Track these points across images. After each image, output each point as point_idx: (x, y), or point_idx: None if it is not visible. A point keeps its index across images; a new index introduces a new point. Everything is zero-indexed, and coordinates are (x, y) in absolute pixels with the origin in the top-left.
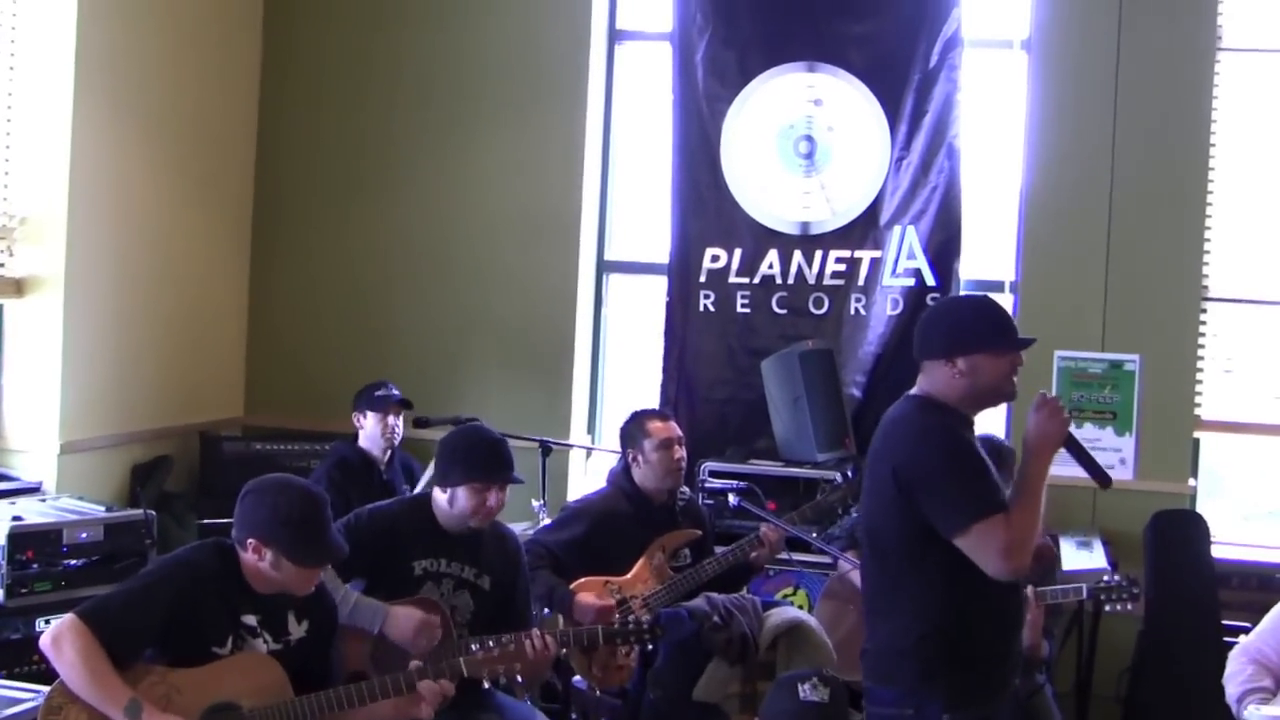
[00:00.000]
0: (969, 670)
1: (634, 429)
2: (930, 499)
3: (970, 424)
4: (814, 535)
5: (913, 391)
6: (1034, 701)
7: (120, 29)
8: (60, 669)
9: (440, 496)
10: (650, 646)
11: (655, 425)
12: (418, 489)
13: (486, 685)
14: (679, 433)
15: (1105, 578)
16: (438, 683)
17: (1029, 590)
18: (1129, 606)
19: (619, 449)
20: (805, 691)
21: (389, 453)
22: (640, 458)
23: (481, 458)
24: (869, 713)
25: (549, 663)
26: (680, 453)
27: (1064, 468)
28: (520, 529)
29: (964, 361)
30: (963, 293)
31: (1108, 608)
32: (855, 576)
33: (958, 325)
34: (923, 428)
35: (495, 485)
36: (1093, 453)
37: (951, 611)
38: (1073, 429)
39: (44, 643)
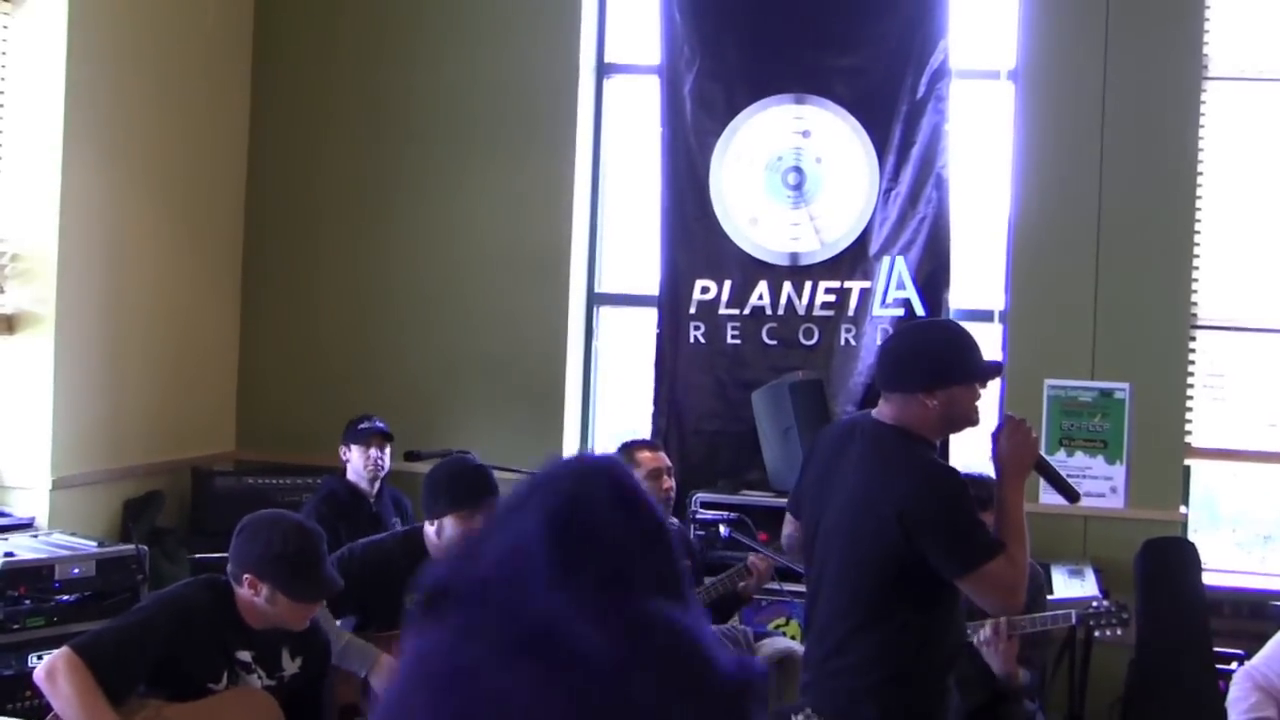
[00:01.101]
0: (926, 715)
1: (623, 459)
2: (938, 540)
3: (934, 446)
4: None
5: (884, 420)
6: None
7: (110, 67)
8: (55, 703)
9: (429, 529)
10: None
11: (644, 455)
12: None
13: None
14: (668, 463)
15: (1094, 604)
16: None
17: (1001, 621)
18: (1118, 632)
19: None
20: None
21: (377, 485)
22: None
23: (464, 486)
24: None
25: None
26: (669, 483)
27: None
28: None
29: (942, 394)
30: (920, 318)
31: (1097, 634)
32: None
33: (937, 359)
34: (928, 470)
35: (480, 511)
36: (1084, 481)
37: (919, 657)
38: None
39: (38, 676)
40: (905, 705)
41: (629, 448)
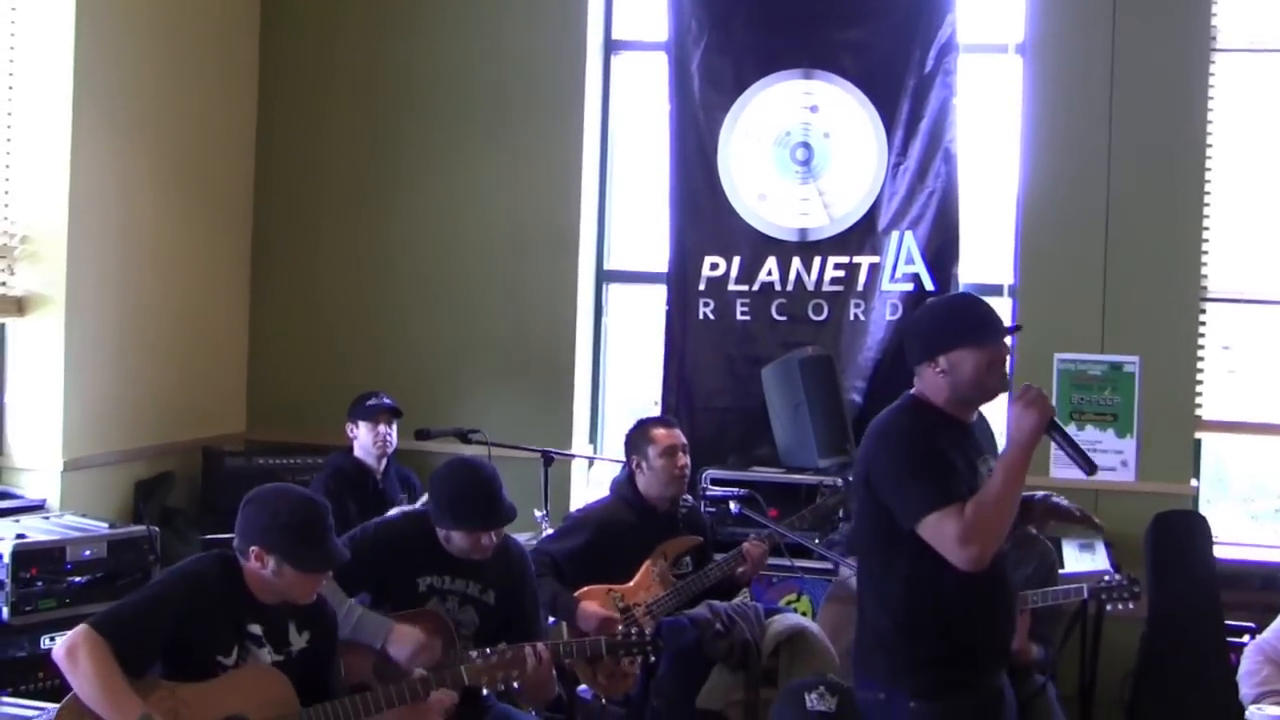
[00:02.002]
0: (937, 665)
1: (638, 437)
2: (891, 492)
3: (958, 423)
4: (816, 541)
5: (909, 394)
6: (1036, 704)
7: (118, 48)
8: (73, 680)
9: (439, 530)
10: (653, 658)
11: (659, 432)
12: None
13: (486, 693)
14: (683, 440)
15: (1105, 578)
16: (443, 691)
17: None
18: (1130, 605)
19: (622, 458)
20: (813, 701)
21: (384, 462)
22: (644, 465)
23: (472, 506)
24: (856, 699)
25: (550, 677)
26: (684, 460)
27: (1070, 469)
28: (524, 539)
29: (944, 359)
30: (932, 293)
31: (1109, 607)
32: (854, 581)
33: (935, 324)
34: (892, 428)
35: (489, 530)
36: (1094, 455)
37: (922, 610)
38: (1057, 419)
39: (57, 653)
40: (912, 655)
41: (644, 425)
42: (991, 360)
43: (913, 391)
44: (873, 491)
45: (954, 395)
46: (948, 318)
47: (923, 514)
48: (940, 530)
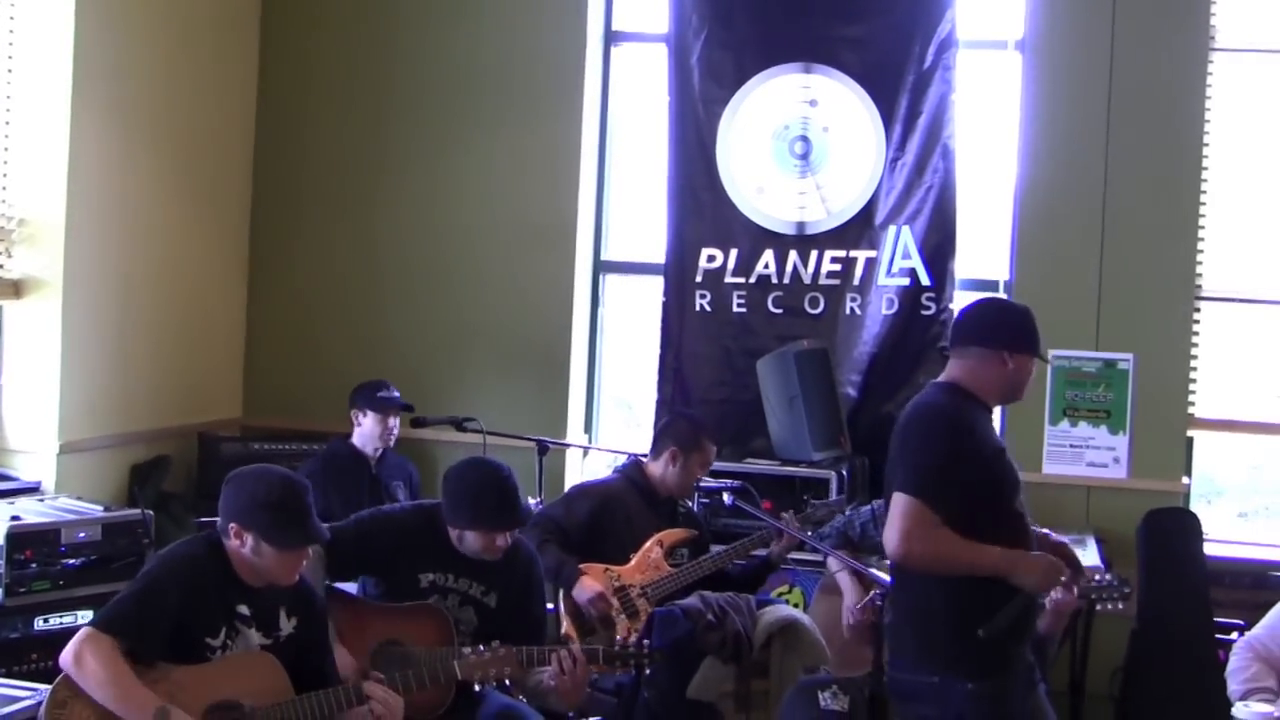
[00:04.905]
0: (988, 645)
1: (692, 435)
2: (902, 455)
3: (988, 409)
4: (809, 534)
5: (941, 379)
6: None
7: (118, 34)
8: (84, 684)
9: (452, 531)
10: (648, 671)
11: (710, 448)
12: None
13: (479, 687)
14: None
15: (1097, 577)
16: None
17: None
18: (1120, 606)
19: (618, 449)
20: (826, 700)
21: (380, 451)
22: (678, 461)
23: (488, 505)
24: (896, 681)
25: (585, 680)
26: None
27: (1062, 466)
28: None
29: (1014, 359)
30: (997, 295)
31: (1099, 607)
32: (843, 576)
33: (1020, 325)
34: (937, 407)
35: (506, 530)
36: (1086, 451)
37: (975, 593)
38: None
39: (64, 662)
40: (960, 634)
41: (700, 432)
42: (1032, 374)
43: (948, 379)
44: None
45: (1002, 390)
46: (1022, 323)
47: (911, 490)
48: (908, 513)
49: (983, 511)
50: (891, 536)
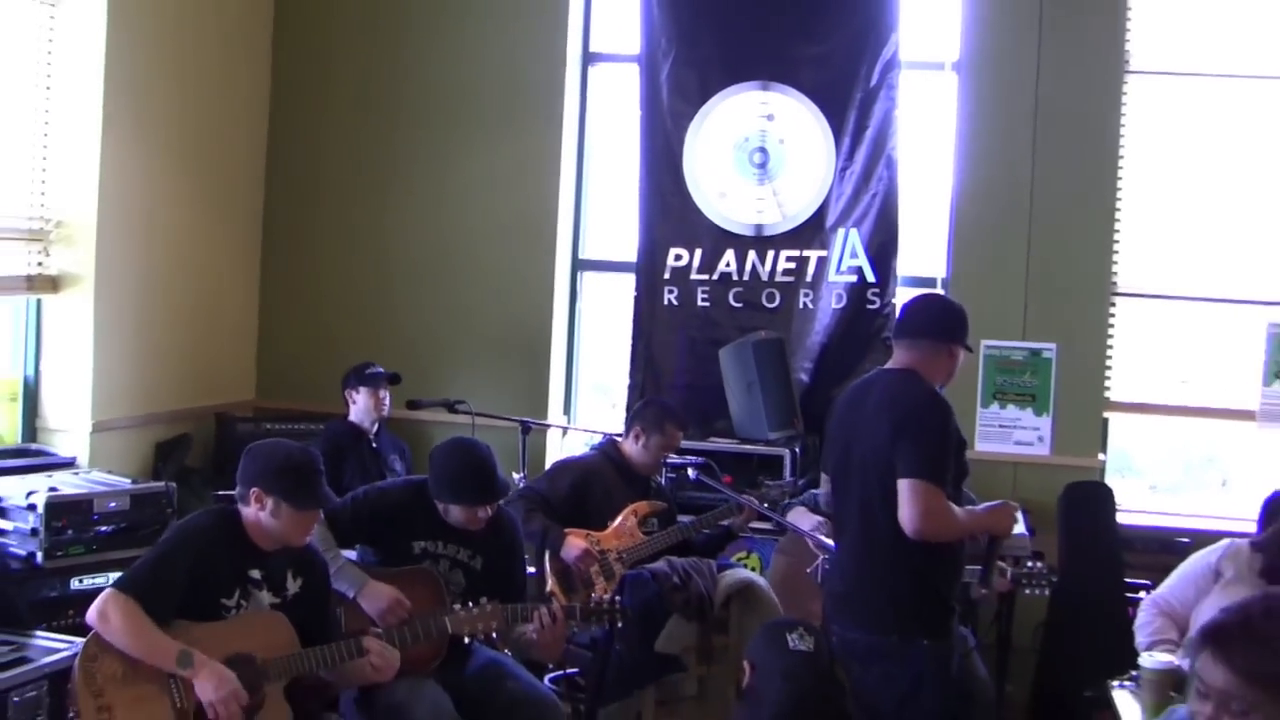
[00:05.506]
0: (941, 608)
1: (657, 419)
2: (904, 442)
3: None
4: (765, 507)
5: (898, 367)
6: (968, 659)
7: (144, 55)
8: (111, 638)
9: (439, 504)
10: (619, 624)
11: (674, 432)
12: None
13: (468, 641)
14: (681, 443)
15: (1030, 563)
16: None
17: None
18: (1045, 591)
19: (594, 429)
20: (794, 641)
21: (376, 425)
22: (645, 442)
23: (470, 483)
24: (849, 642)
25: (563, 636)
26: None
27: (992, 444)
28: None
29: (957, 349)
30: (937, 292)
31: (1026, 591)
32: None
33: (963, 321)
34: (928, 394)
35: (485, 505)
36: (1014, 431)
37: (935, 562)
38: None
39: (91, 618)
40: (924, 600)
41: (666, 416)
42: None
43: (907, 367)
44: (893, 438)
45: (946, 376)
46: (964, 319)
47: (916, 474)
48: (917, 495)
49: (955, 486)
50: (911, 516)
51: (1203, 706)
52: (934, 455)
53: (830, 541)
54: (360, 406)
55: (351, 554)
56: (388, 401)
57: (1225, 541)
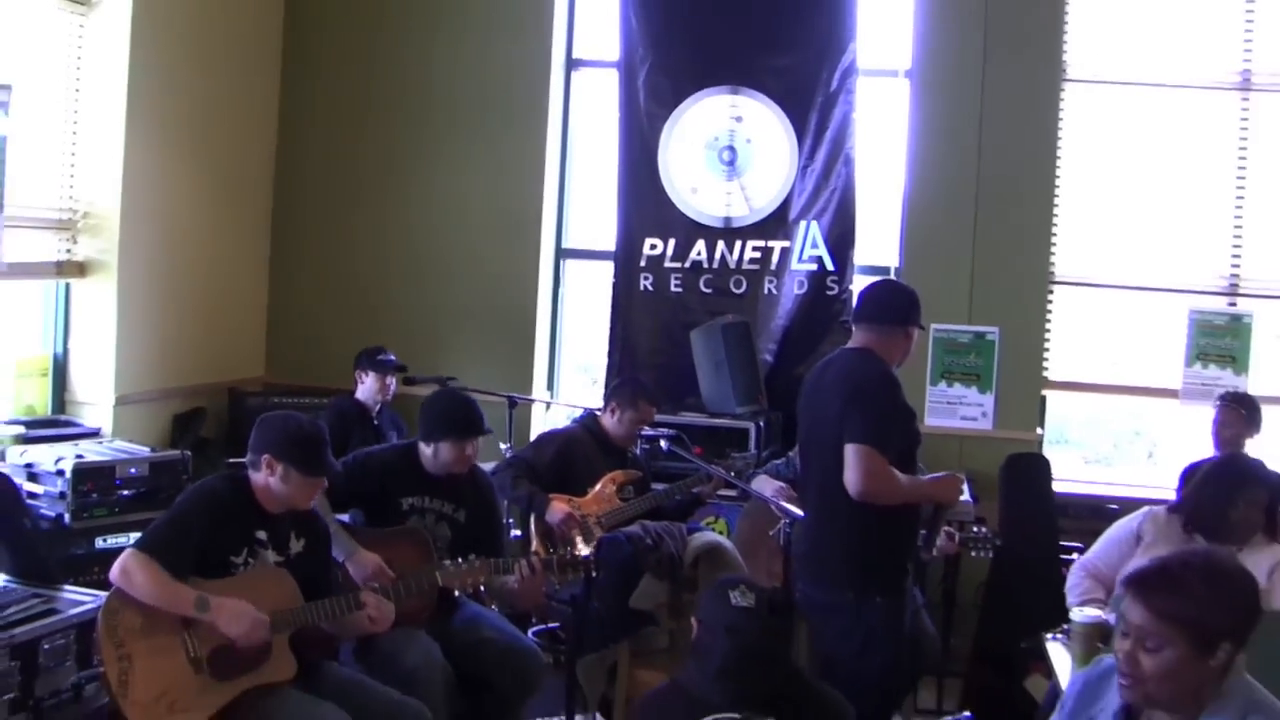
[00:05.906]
0: (894, 568)
1: (631, 395)
2: (851, 411)
3: None
4: (731, 475)
5: (856, 346)
6: (917, 617)
7: (163, 59)
8: (133, 593)
9: (426, 449)
10: (595, 574)
11: (646, 408)
12: None
13: (456, 594)
14: (654, 418)
15: (975, 528)
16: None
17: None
18: (989, 554)
19: (575, 404)
20: (735, 597)
21: (379, 405)
22: (620, 416)
23: (459, 418)
24: (810, 599)
25: (542, 586)
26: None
27: (940, 419)
28: (491, 467)
29: (913, 330)
30: (891, 278)
31: (971, 553)
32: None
33: (916, 305)
34: (880, 372)
35: (472, 439)
36: (960, 407)
37: (889, 523)
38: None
39: (113, 576)
40: (877, 557)
41: (639, 393)
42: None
43: (863, 346)
44: (844, 411)
45: (902, 356)
46: (917, 303)
47: (861, 440)
48: (861, 459)
49: (905, 455)
50: (855, 478)
51: (1123, 643)
52: (878, 424)
53: (791, 506)
54: (367, 387)
55: (345, 517)
56: (393, 387)
57: (1145, 508)
